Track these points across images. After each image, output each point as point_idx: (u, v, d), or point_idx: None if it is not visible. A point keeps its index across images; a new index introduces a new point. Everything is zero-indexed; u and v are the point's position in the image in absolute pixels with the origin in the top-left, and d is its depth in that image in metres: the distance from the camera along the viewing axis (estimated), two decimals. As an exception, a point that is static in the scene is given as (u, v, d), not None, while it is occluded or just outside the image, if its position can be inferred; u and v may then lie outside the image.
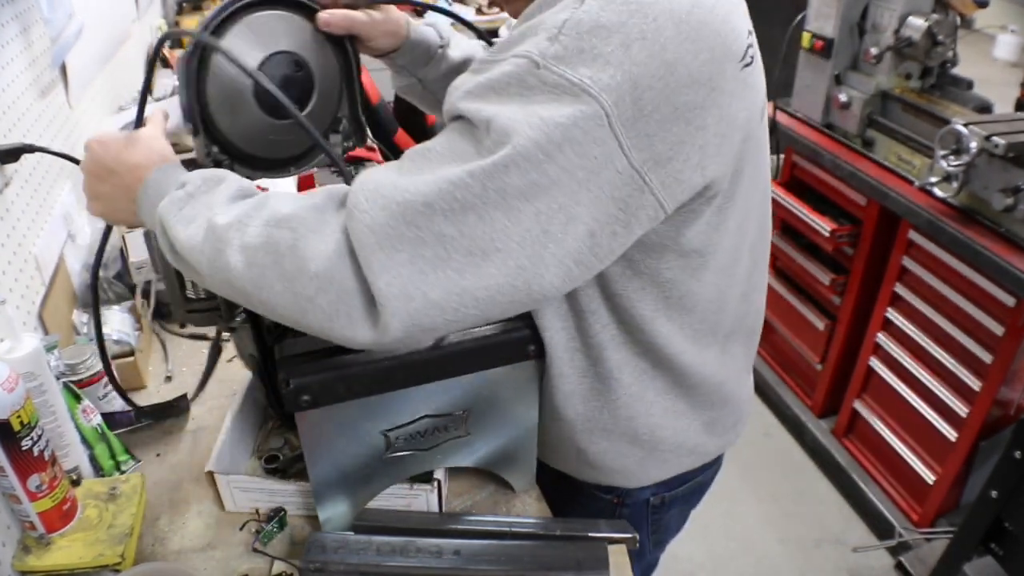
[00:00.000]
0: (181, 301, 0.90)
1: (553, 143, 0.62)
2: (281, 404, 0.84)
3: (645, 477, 0.98)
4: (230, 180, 0.76)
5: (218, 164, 0.85)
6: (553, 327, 0.86)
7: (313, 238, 0.67)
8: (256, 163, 0.88)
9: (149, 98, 2.03)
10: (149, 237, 0.90)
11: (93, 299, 0.92)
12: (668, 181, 0.68)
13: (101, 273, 1.34)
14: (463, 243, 0.64)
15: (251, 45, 0.81)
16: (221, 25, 0.80)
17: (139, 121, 0.85)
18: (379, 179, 0.67)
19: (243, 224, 0.70)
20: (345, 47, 0.89)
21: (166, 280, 0.89)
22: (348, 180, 0.77)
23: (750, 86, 0.74)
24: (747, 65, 0.73)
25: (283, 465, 1.01)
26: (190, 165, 0.82)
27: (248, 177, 0.83)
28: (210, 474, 0.95)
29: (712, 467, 1.06)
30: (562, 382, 0.89)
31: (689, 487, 1.04)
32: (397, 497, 0.96)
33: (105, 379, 1.11)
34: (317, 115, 0.89)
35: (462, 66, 1.05)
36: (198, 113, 0.82)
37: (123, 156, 0.80)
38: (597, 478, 0.99)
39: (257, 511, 0.97)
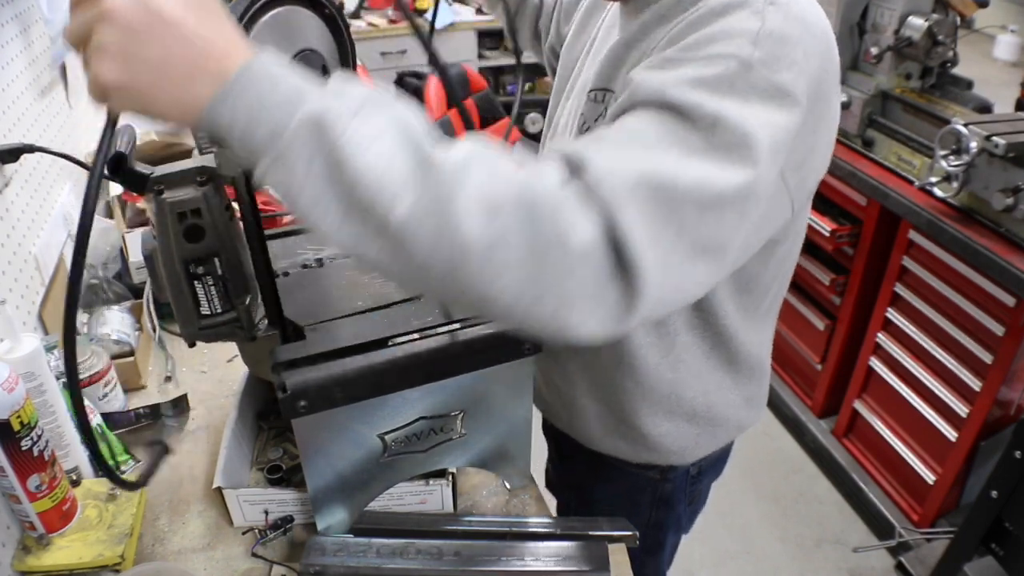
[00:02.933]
0: (194, 318, 0.85)
1: (777, 146, 0.64)
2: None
3: (697, 453, 1.05)
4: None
5: (248, 174, 0.80)
6: (637, 332, 0.91)
7: (570, 208, 0.57)
8: None
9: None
10: (151, 259, 0.85)
11: (77, 243, 0.77)
12: (798, 184, 0.72)
13: (101, 273, 1.35)
14: (711, 236, 0.62)
15: (280, 42, 0.78)
16: (250, 20, 0.74)
17: None
18: (622, 159, 0.61)
19: (473, 165, 0.56)
20: (343, 36, 0.88)
21: (174, 296, 0.84)
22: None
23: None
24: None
25: (286, 475, 1.00)
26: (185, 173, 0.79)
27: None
28: (218, 490, 0.94)
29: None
30: (635, 368, 0.94)
31: (718, 454, 1.11)
32: (412, 495, 0.97)
33: (105, 379, 1.11)
34: None
35: None
36: None
37: (202, 15, 0.55)
38: (651, 459, 1.04)
39: (266, 520, 0.96)
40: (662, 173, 0.60)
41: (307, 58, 0.82)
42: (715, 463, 1.13)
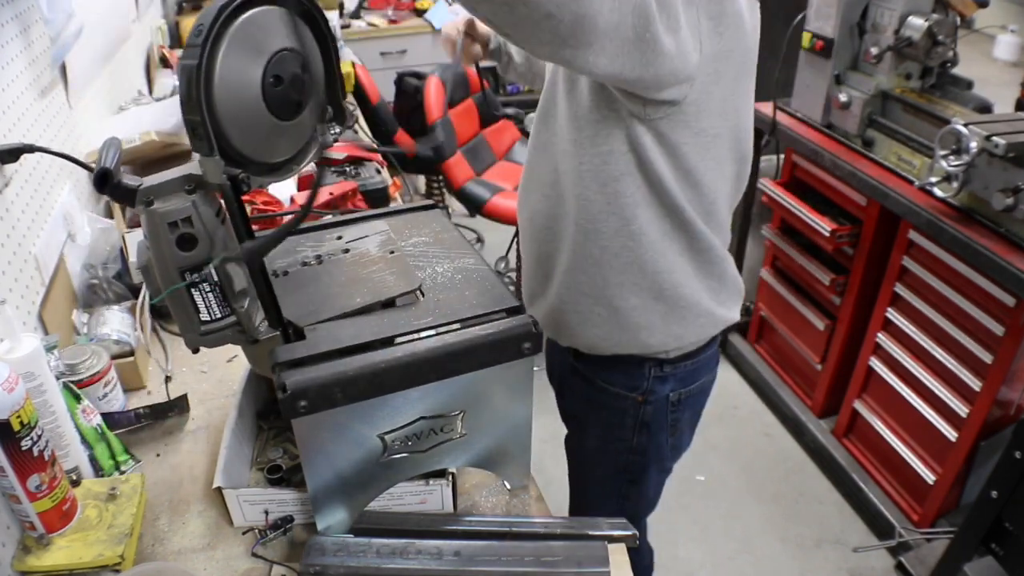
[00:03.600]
0: (195, 324, 0.86)
1: None
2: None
3: (668, 334, 1.14)
4: None
5: (234, 179, 0.80)
6: (590, 192, 1.06)
7: None
8: (265, 169, 0.86)
9: (149, 98, 2.03)
10: (147, 270, 0.85)
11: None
12: (708, 34, 0.93)
13: (101, 273, 1.35)
14: None
15: (252, 48, 0.78)
16: (217, 35, 0.75)
17: None
18: None
19: None
20: (323, 31, 0.87)
21: (173, 304, 0.84)
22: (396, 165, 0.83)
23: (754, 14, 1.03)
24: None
25: (286, 475, 1.00)
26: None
27: (259, 184, 0.82)
28: (218, 490, 0.94)
29: (713, 368, 1.26)
30: (598, 239, 1.08)
31: (698, 385, 1.24)
32: (412, 495, 0.97)
33: (105, 379, 1.11)
34: (315, 106, 0.87)
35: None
36: (211, 131, 0.76)
37: None
38: (624, 343, 1.15)
39: (266, 520, 0.96)
40: None
41: (284, 58, 0.80)
42: (697, 393, 1.23)
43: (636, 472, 1.30)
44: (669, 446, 1.27)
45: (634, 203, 1.05)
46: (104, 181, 0.80)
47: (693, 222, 1.07)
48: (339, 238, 1.06)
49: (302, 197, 1.56)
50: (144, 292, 1.33)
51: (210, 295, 0.84)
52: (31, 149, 1.06)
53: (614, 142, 1.03)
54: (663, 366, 1.18)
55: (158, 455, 1.10)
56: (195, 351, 0.90)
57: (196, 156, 0.79)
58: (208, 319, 0.86)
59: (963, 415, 1.84)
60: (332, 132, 0.91)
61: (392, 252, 1.01)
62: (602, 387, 1.22)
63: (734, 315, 1.21)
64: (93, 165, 0.82)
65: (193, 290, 0.83)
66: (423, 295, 0.94)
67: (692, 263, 1.11)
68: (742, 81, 1.04)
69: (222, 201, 0.84)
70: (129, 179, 0.81)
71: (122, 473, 1.05)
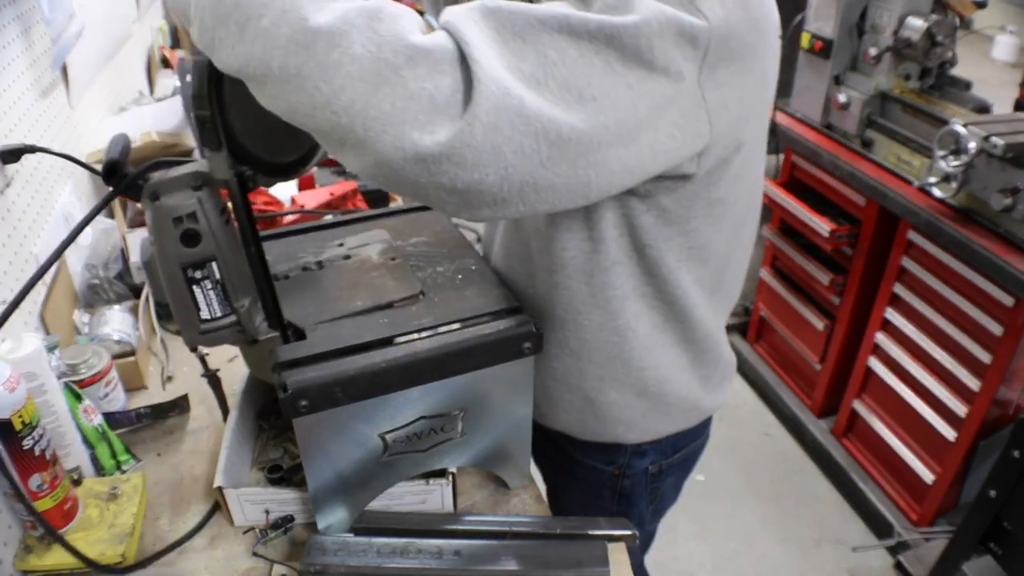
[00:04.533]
0: (194, 322, 0.86)
1: (664, 27, 0.66)
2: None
3: (647, 430, 1.03)
4: None
5: (240, 176, 0.80)
6: (572, 282, 0.90)
7: (416, 21, 0.64)
8: (272, 169, 0.86)
9: (150, 98, 2.04)
10: (150, 265, 0.85)
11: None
12: (719, 106, 0.72)
13: (102, 273, 1.35)
14: (561, 73, 0.64)
15: None
16: None
17: None
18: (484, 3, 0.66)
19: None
20: None
21: (174, 301, 0.84)
22: None
23: (778, 58, 0.82)
24: (779, 37, 0.81)
25: (287, 475, 1.01)
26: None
27: (265, 184, 0.82)
28: (219, 489, 0.94)
29: (702, 434, 1.12)
30: (578, 331, 0.93)
31: (682, 455, 1.10)
32: (412, 495, 0.97)
33: (106, 379, 1.12)
34: None
35: None
36: (220, 126, 0.77)
37: None
38: (599, 433, 1.02)
39: (267, 519, 0.97)
40: (516, 4, 0.65)
41: None
42: (682, 460, 1.10)
43: None
44: (650, 512, 1.16)
45: (623, 295, 0.90)
46: (112, 173, 0.80)
47: (691, 309, 0.92)
48: (340, 245, 1.06)
49: (303, 198, 1.56)
50: (146, 291, 1.34)
51: (211, 293, 0.84)
52: (32, 149, 1.06)
53: (604, 227, 0.85)
54: (641, 442, 1.05)
55: (159, 455, 1.10)
56: (193, 349, 0.90)
57: (197, 155, 0.79)
58: (208, 317, 0.86)
59: (962, 415, 1.84)
60: None
61: (393, 259, 1.01)
62: (578, 460, 1.08)
63: (723, 398, 1.08)
64: (94, 165, 0.82)
65: (194, 287, 0.83)
66: (424, 295, 0.94)
67: (685, 355, 0.97)
68: (763, 124, 0.86)
69: (227, 201, 0.84)
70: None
71: (123, 472, 1.06)
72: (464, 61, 0.62)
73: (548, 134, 0.63)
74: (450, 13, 0.65)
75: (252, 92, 0.67)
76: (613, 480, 1.08)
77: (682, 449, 1.09)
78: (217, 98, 0.75)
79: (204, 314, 0.85)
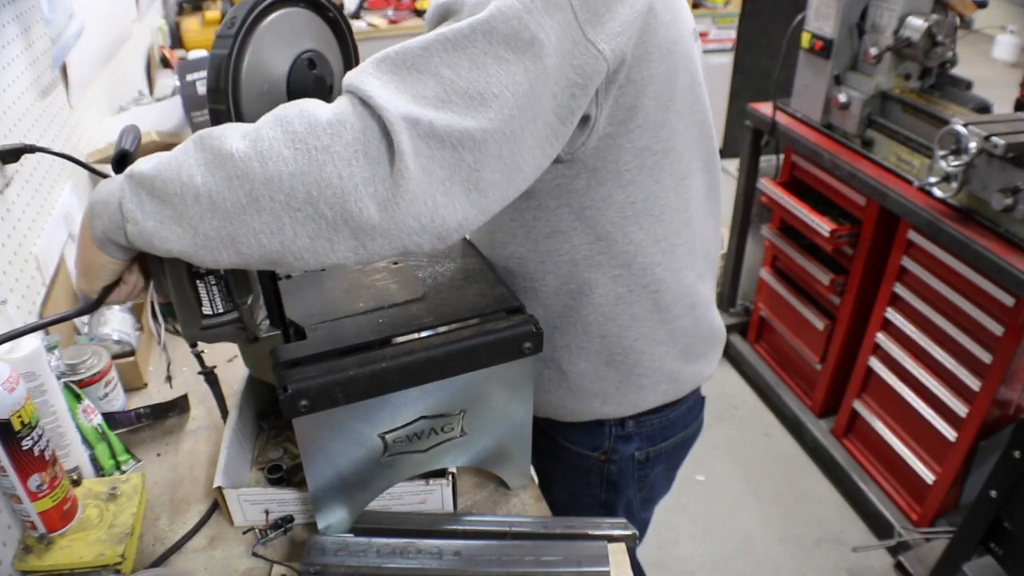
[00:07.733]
0: (196, 318, 0.85)
1: (527, 2, 0.69)
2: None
3: (623, 403, 1.03)
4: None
5: None
6: (523, 250, 0.95)
7: (319, 104, 0.69)
8: None
9: (150, 98, 2.04)
10: (153, 260, 0.85)
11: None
12: (609, 37, 0.74)
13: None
14: (460, 86, 0.67)
15: (281, 44, 0.80)
16: (249, 28, 0.77)
17: None
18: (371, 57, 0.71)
19: (236, 129, 0.69)
20: (347, 39, 0.89)
21: (176, 295, 0.84)
22: None
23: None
24: None
25: (287, 475, 1.01)
26: None
27: None
28: (218, 490, 0.94)
29: (693, 421, 1.14)
30: (539, 296, 0.97)
31: (672, 443, 1.11)
32: (412, 495, 0.97)
33: (106, 379, 1.12)
34: None
35: None
36: (235, 120, 0.77)
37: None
38: (577, 411, 1.04)
39: (267, 520, 0.97)
40: (398, 45, 0.69)
41: (310, 60, 0.83)
42: (672, 448, 1.11)
43: None
44: (639, 500, 1.17)
45: (571, 260, 0.93)
46: (123, 163, 0.81)
47: (651, 268, 0.93)
48: None
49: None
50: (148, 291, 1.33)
51: (214, 288, 0.84)
52: (32, 149, 1.06)
53: (541, 197, 0.90)
54: (624, 424, 1.06)
55: (159, 455, 1.10)
56: (192, 345, 0.90)
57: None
58: (210, 312, 0.86)
59: (962, 415, 1.84)
60: None
61: (395, 263, 1.02)
62: (563, 445, 1.10)
63: (709, 369, 1.09)
64: (94, 165, 0.82)
65: (198, 281, 0.84)
66: (425, 296, 0.94)
67: (650, 321, 0.97)
68: (675, 66, 0.85)
69: None
70: None
71: (123, 473, 1.05)
72: (373, 111, 0.66)
73: (464, 143, 0.67)
74: (348, 76, 0.69)
75: (231, 259, 0.70)
76: (600, 466, 1.10)
77: (670, 436, 1.10)
78: (234, 92, 0.76)
79: (206, 309, 0.85)
